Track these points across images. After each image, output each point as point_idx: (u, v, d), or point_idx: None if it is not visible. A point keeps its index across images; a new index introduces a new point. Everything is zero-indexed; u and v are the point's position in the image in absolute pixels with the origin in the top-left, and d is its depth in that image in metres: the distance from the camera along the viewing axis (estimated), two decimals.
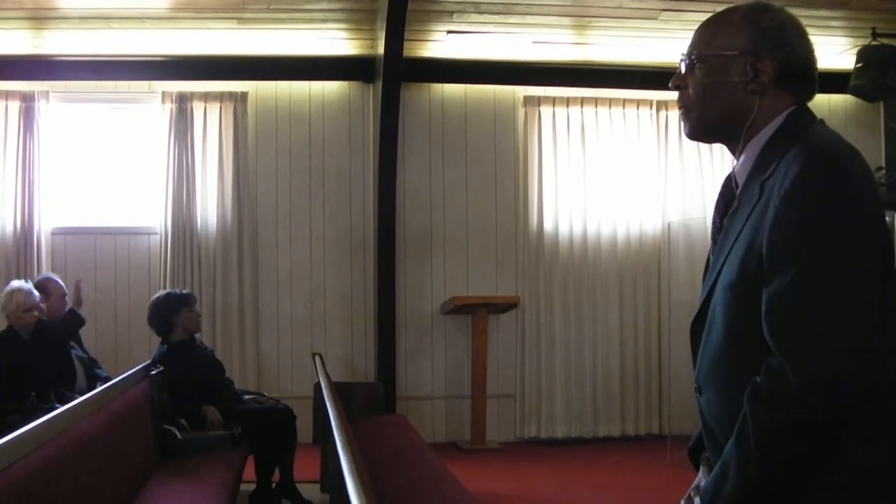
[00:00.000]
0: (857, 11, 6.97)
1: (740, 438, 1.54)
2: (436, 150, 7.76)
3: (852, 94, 7.36)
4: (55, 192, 7.33)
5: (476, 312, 7.41)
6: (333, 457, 3.45)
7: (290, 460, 5.43)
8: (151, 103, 7.44)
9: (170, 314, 5.36)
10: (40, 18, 6.76)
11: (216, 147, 7.42)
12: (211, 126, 7.43)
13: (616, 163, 7.80)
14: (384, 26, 6.73)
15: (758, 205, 1.60)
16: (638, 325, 7.82)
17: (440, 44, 7.38)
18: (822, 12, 6.92)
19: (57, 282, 5.97)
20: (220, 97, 7.44)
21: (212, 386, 5.31)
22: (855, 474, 1.50)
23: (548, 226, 7.73)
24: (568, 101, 7.82)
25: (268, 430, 5.29)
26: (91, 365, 5.88)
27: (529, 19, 6.99)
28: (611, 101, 7.85)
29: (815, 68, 1.71)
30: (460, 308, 7.41)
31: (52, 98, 7.31)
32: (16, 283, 5.54)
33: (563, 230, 7.73)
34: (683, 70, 1.77)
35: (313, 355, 6.47)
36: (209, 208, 7.41)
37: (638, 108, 7.87)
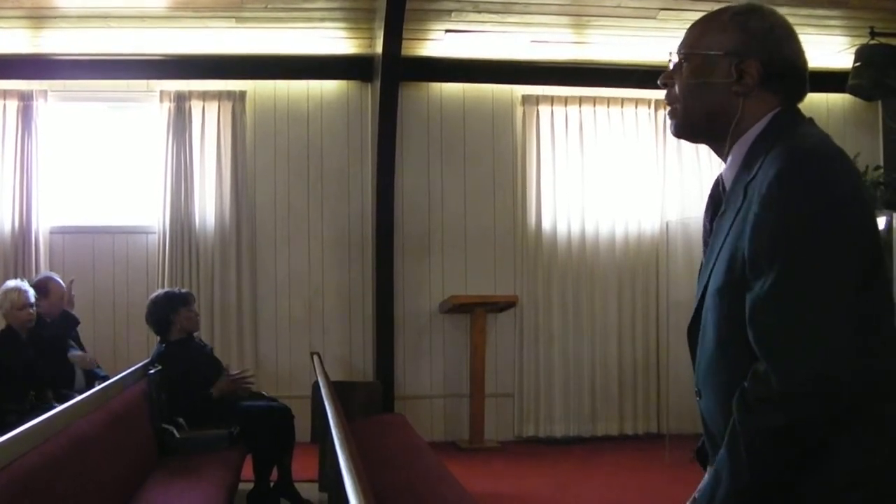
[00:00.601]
0: (856, 10, 6.97)
1: (731, 444, 1.55)
2: (434, 149, 7.76)
3: (850, 93, 7.36)
4: (53, 191, 7.32)
5: (474, 312, 7.41)
6: (332, 456, 3.45)
7: (289, 459, 5.42)
8: (150, 102, 7.44)
9: (168, 313, 5.36)
10: (39, 17, 6.75)
11: (214, 146, 7.41)
12: (209, 125, 7.43)
13: (614, 162, 7.81)
14: (382, 25, 6.73)
15: (741, 208, 1.60)
16: (636, 324, 7.82)
17: (439, 43, 7.38)
18: (821, 11, 6.92)
19: (57, 281, 5.96)
20: (219, 96, 7.43)
21: (211, 384, 5.30)
22: (851, 476, 1.49)
23: (546, 225, 7.73)
24: (566, 101, 7.82)
25: (266, 430, 5.29)
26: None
27: (528, 18, 6.99)
28: (609, 101, 7.86)
29: (804, 70, 1.70)
30: (459, 307, 7.41)
31: (51, 97, 7.30)
32: (11, 283, 5.53)
33: (562, 229, 7.73)
34: (671, 67, 1.77)
35: (312, 354, 6.47)
36: (207, 207, 7.40)
37: (636, 108, 7.88)
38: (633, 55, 7.61)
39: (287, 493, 5.38)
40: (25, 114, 7.21)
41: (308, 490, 5.49)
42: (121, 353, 7.01)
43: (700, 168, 7.81)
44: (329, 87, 7.70)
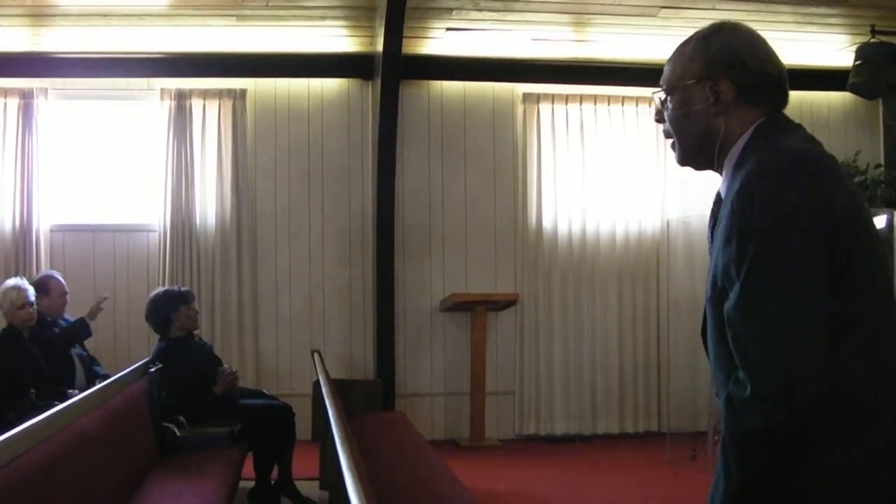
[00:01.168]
0: (856, 9, 6.96)
1: (722, 445, 1.63)
2: (435, 147, 7.76)
3: (851, 91, 7.36)
4: (54, 189, 7.33)
5: (475, 309, 7.41)
6: (332, 454, 3.46)
7: (289, 457, 5.43)
8: (150, 100, 7.44)
9: (168, 311, 5.36)
10: (39, 15, 6.75)
11: (215, 144, 7.41)
12: (210, 123, 7.43)
13: (615, 160, 7.81)
14: (383, 23, 6.73)
15: (724, 221, 1.68)
16: (637, 322, 7.82)
17: (439, 41, 7.38)
18: (821, 10, 6.92)
19: (58, 279, 5.96)
20: (219, 94, 7.43)
21: (211, 382, 5.30)
22: (837, 474, 1.55)
23: (547, 223, 7.73)
24: (567, 98, 7.82)
25: (267, 428, 5.30)
26: (90, 363, 5.88)
27: (528, 16, 6.98)
28: (610, 98, 7.86)
29: (777, 75, 1.75)
30: (459, 305, 7.41)
31: (51, 95, 7.30)
32: (10, 281, 5.54)
33: (562, 227, 7.73)
34: (659, 105, 1.85)
35: (312, 352, 6.47)
36: (208, 205, 7.41)
37: (637, 106, 7.88)
38: (633, 53, 7.60)
39: (288, 491, 5.38)
40: (26, 112, 7.21)
41: (309, 488, 5.50)
42: (121, 352, 7.01)
43: None
44: (330, 86, 7.70)
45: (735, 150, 1.74)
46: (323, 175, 7.65)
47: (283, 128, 7.63)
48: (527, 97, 7.80)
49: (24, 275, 6.28)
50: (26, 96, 7.21)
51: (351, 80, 7.67)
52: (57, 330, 5.75)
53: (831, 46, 7.52)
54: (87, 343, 6.14)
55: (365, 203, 7.65)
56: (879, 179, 7.67)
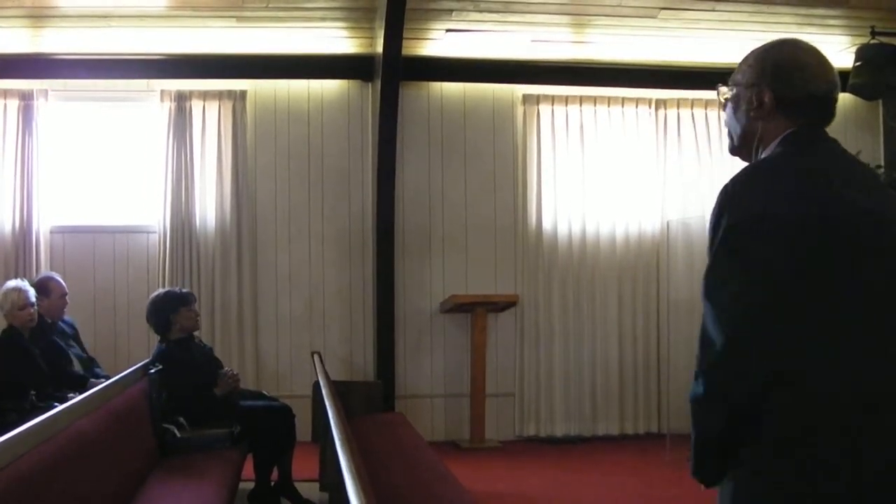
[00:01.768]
0: (856, 10, 6.97)
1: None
2: (435, 148, 7.76)
3: (851, 92, 7.36)
4: (54, 190, 7.32)
5: (475, 311, 7.41)
6: (332, 455, 3.45)
7: (289, 459, 5.43)
8: (150, 102, 7.44)
9: (168, 313, 5.36)
10: (39, 17, 6.75)
11: (215, 145, 7.41)
12: (210, 124, 7.43)
13: (615, 161, 7.80)
14: (383, 25, 6.73)
15: None
16: (637, 323, 7.82)
17: (439, 42, 7.38)
18: (821, 11, 6.93)
19: (58, 281, 5.96)
20: (219, 95, 7.43)
21: (211, 384, 5.30)
22: (779, 445, 1.73)
23: (547, 224, 7.73)
24: (567, 100, 7.82)
25: (267, 429, 5.29)
26: (90, 364, 5.88)
27: (528, 18, 6.99)
28: (610, 100, 7.85)
29: (819, 96, 1.92)
30: (459, 306, 7.41)
31: (51, 96, 7.30)
32: (11, 283, 5.53)
33: (562, 229, 7.73)
34: (722, 100, 2.08)
35: (312, 354, 6.47)
36: (208, 207, 7.41)
37: (637, 107, 7.87)
38: (633, 54, 7.61)
39: (288, 492, 5.38)
40: (26, 113, 7.21)
41: (309, 490, 5.49)
42: (121, 353, 7.01)
43: (701, 167, 7.81)
44: (330, 87, 7.70)
45: (765, 153, 1.95)
46: (323, 176, 7.65)
47: (283, 129, 7.63)
48: (527, 98, 7.80)
49: (24, 276, 6.28)
50: (26, 98, 7.21)
51: (351, 81, 7.67)
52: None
53: (831, 47, 7.51)
54: (87, 344, 6.15)
55: (365, 204, 7.65)
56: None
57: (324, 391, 4.78)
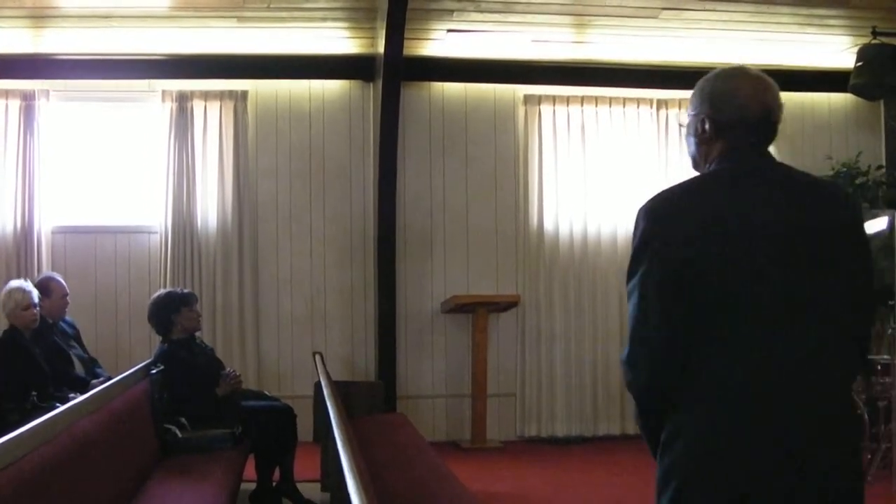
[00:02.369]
0: (857, 10, 6.96)
1: None
2: (436, 148, 7.76)
3: (853, 92, 7.36)
4: (55, 190, 7.33)
5: (476, 311, 7.41)
6: (334, 456, 3.45)
7: (291, 459, 5.43)
8: (151, 102, 7.44)
9: (170, 313, 5.36)
10: (40, 17, 6.76)
11: (216, 146, 7.42)
12: (211, 125, 7.43)
13: (616, 162, 7.80)
14: (384, 25, 6.73)
15: None
16: None
17: (440, 42, 7.38)
18: (822, 11, 6.92)
19: (59, 281, 5.96)
20: (221, 96, 7.44)
21: (212, 384, 5.30)
22: (675, 429, 2.08)
23: (548, 224, 7.73)
24: (568, 100, 7.82)
25: (268, 430, 5.29)
26: (91, 365, 5.88)
27: (529, 18, 6.99)
28: (611, 100, 7.85)
29: (755, 121, 2.08)
30: (460, 307, 7.41)
31: (53, 97, 7.31)
32: (14, 283, 5.53)
33: (564, 229, 7.73)
34: (682, 123, 2.30)
35: (314, 354, 6.48)
36: (209, 207, 7.41)
37: (638, 107, 7.87)
38: (634, 55, 7.61)
39: (289, 493, 5.38)
40: (27, 113, 7.21)
41: (310, 490, 5.49)
42: (122, 353, 7.01)
43: None
44: (331, 87, 7.70)
45: None
46: (324, 176, 7.65)
47: (284, 129, 7.63)
48: (528, 99, 7.80)
49: (26, 276, 6.27)
50: (27, 98, 7.21)
51: (352, 81, 7.67)
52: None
53: (832, 48, 7.52)
54: (88, 344, 6.15)
55: (366, 204, 7.65)
56: (881, 180, 7.67)
57: (325, 391, 4.78)
